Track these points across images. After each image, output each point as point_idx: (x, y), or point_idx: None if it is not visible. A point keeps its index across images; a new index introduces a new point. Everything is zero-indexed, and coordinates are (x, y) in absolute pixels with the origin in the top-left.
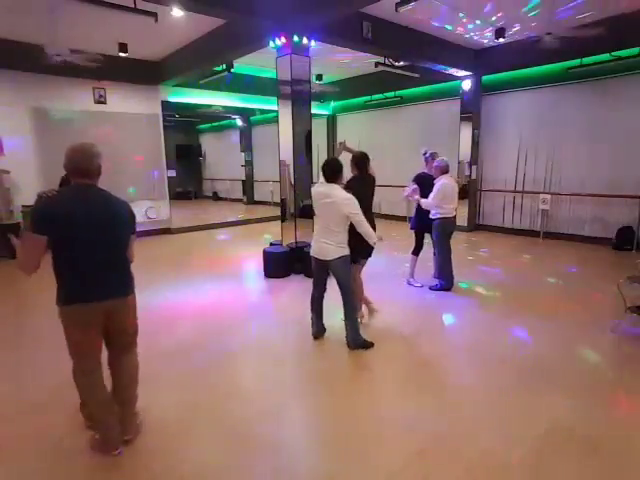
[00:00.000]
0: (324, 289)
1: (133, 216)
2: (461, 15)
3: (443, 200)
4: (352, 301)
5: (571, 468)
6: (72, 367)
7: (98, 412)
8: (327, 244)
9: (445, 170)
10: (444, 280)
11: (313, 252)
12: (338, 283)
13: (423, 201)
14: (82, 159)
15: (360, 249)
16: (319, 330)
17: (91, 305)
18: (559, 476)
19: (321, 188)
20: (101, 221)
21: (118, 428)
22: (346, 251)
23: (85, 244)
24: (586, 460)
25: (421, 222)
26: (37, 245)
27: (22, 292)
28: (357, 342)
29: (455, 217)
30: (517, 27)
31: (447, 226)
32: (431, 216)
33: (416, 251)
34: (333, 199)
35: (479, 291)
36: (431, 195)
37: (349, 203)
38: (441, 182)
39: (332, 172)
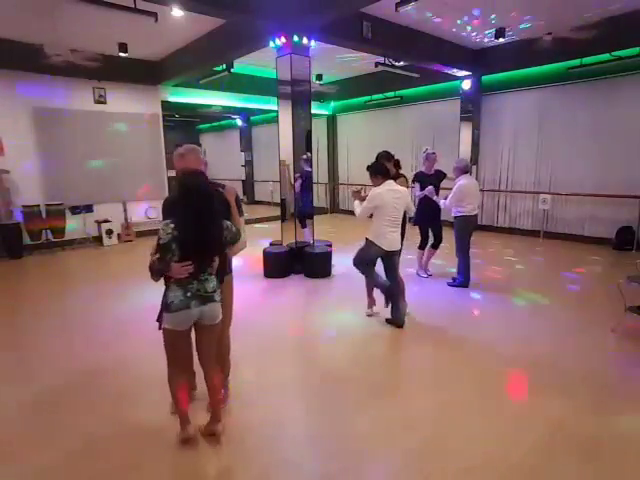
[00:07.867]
0: None
1: None
2: (462, 18)
3: (463, 200)
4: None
5: (571, 469)
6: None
7: None
8: (397, 236)
9: (465, 170)
10: (462, 276)
11: (388, 246)
12: (394, 269)
13: (442, 202)
14: None
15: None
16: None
17: None
18: (559, 477)
19: (387, 187)
20: None
21: None
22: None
23: None
24: (586, 461)
25: (424, 217)
26: None
27: (22, 291)
28: (403, 319)
29: (476, 216)
30: (517, 27)
31: (468, 224)
32: (453, 214)
33: (422, 245)
34: (401, 194)
35: (481, 290)
36: (449, 196)
37: (409, 194)
38: (460, 183)
39: (387, 171)
